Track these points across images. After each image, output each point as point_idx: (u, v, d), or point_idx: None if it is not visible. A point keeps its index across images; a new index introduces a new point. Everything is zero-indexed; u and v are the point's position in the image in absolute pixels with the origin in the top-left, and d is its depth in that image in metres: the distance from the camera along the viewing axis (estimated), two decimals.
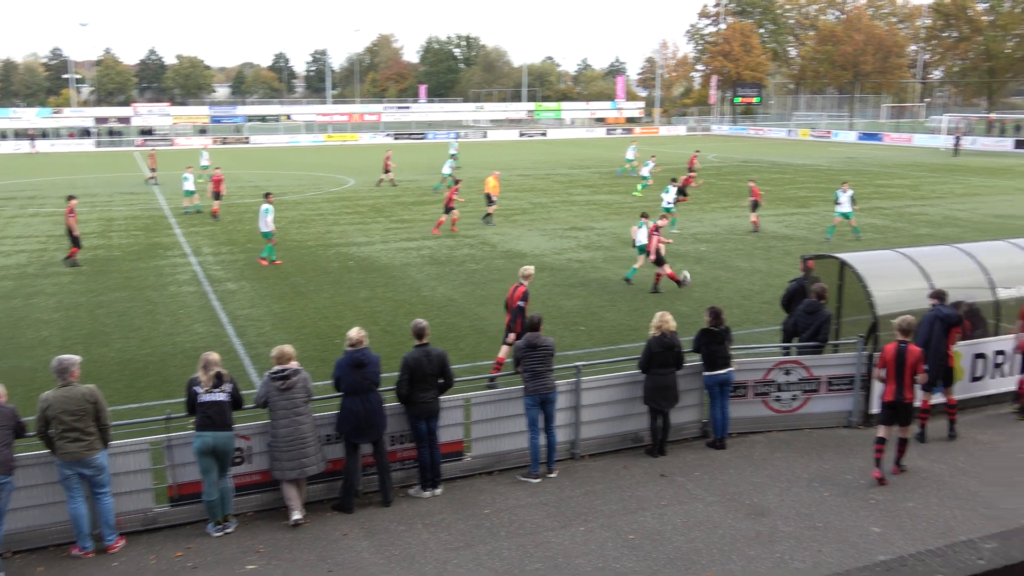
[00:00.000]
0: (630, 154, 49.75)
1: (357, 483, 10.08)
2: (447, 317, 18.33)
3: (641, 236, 21.16)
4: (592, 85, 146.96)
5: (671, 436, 11.66)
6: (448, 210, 29.12)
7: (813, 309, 12.83)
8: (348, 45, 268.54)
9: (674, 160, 55.38)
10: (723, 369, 11.61)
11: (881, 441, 10.69)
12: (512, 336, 13.66)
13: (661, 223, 21.32)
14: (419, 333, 10.39)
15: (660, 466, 11.15)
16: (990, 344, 13.20)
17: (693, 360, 11.83)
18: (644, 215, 21.84)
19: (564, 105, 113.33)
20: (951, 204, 35.48)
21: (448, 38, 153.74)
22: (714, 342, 11.58)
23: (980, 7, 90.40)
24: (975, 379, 13.08)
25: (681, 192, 32.53)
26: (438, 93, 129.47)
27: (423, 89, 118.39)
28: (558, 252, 25.63)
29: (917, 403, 11.25)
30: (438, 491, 10.39)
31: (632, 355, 12.13)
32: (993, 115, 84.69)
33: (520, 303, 13.77)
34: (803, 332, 12.87)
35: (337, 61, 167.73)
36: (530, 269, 14.42)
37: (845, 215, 27.29)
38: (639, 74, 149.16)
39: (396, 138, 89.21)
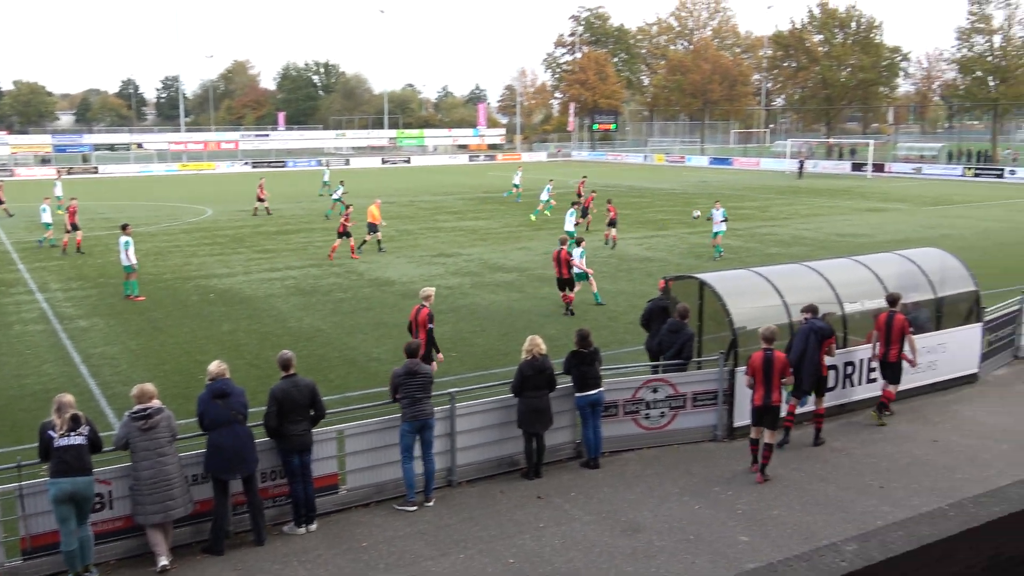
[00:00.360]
0: (516, 179, 50.60)
1: (227, 523, 9.74)
2: (315, 348, 17.99)
3: (579, 262, 21.42)
4: (453, 112, 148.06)
5: (546, 458, 11.79)
6: (343, 235, 29.17)
7: (677, 328, 13.28)
8: (201, 71, 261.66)
9: (535, 185, 56.34)
10: (594, 390, 11.85)
11: (755, 442, 11.62)
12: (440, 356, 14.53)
13: (578, 248, 21.62)
14: (285, 364, 10.17)
15: (536, 488, 11.26)
16: (841, 356, 13.95)
17: (564, 382, 12.03)
18: (579, 240, 22.30)
19: (427, 132, 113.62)
20: (798, 224, 37.48)
21: (306, 65, 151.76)
22: (584, 363, 11.81)
23: (816, 39, 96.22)
24: (829, 389, 13.79)
25: (584, 213, 34.21)
26: (297, 120, 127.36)
27: (282, 116, 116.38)
28: (426, 279, 25.57)
29: (783, 412, 11.87)
30: (313, 527, 10.15)
31: (504, 379, 12.23)
32: (832, 140, 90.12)
33: (430, 325, 14.13)
34: (668, 350, 13.30)
35: (190, 87, 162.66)
36: (430, 290, 14.77)
37: (716, 233, 28.70)
38: (499, 101, 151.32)
39: (255, 166, 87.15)
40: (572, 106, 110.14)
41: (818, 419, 12.90)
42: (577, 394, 11.88)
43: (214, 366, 9.76)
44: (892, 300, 13.78)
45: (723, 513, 10.43)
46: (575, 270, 21.35)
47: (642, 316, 14.87)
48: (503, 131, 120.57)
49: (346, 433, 10.75)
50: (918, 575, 5.99)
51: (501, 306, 21.81)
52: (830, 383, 13.64)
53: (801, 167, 68.90)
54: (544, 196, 41.54)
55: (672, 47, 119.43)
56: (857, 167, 73.95)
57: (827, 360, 12.97)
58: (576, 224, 29.73)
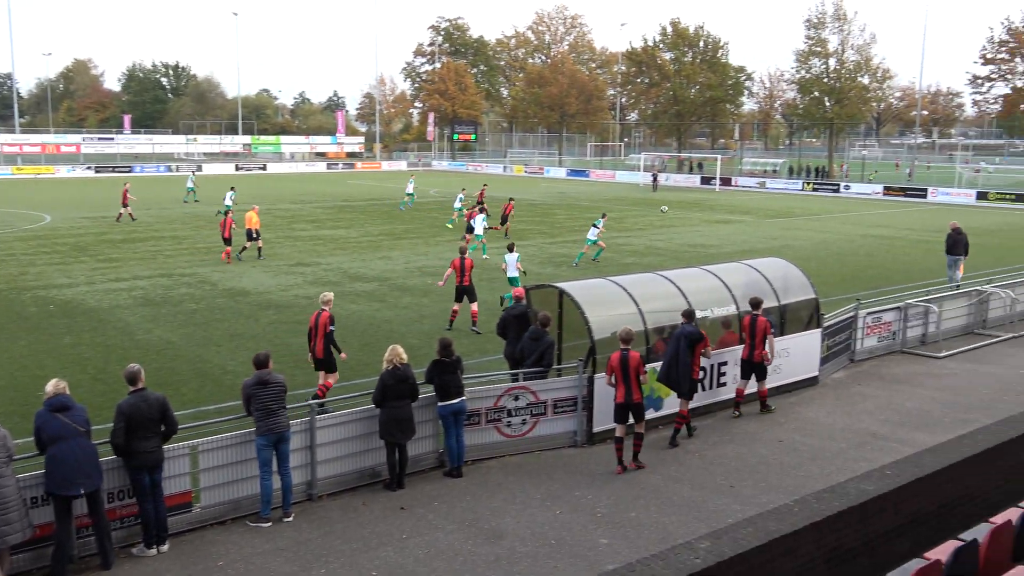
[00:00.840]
0: (410, 188, 50.43)
1: (71, 547, 9.20)
2: (166, 361, 17.26)
3: (511, 268, 22.44)
4: (311, 119, 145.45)
5: (409, 468, 11.72)
6: (227, 241, 29.28)
7: (537, 336, 13.49)
8: (38, 69, 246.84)
9: (394, 194, 56.02)
10: (456, 399, 11.88)
11: (619, 440, 12.14)
12: (310, 357, 14.57)
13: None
14: (132, 378, 9.72)
15: (399, 499, 11.17)
16: None
17: (427, 391, 12.00)
18: (511, 247, 22.96)
19: (283, 139, 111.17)
20: (651, 235, 38.73)
21: (154, 66, 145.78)
22: (446, 372, 11.82)
23: (667, 57, 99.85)
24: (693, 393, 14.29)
25: (503, 220, 36.61)
26: (144, 124, 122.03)
27: (127, 119, 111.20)
28: (284, 289, 25.01)
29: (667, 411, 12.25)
30: (165, 547, 9.72)
31: (366, 390, 12.08)
32: (682, 154, 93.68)
33: (331, 328, 14.18)
34: (528, 357, 13.48)
35: (25, 86, 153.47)
36: (330, 295, 14.93)
37: (591, 241, 29.78)
38: (358, 109, 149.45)
39: (98, 171, 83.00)
40: (431, 115, 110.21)
41: (680, 421, 13.43)
42: (439, 403, 11.87)
43: (51, 386, 9.19)
44: (755, 304, 14.60)
45: (584, 517, 10.64)
46: (510, 273, 22.45)
47: (498, 325, 15.03)
48: (362, 139, 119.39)
49: (199, 449, 10.35)
50: (766, 569, 6.30)
51: (362, 316, 21.56)
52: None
53: (655, 180, 71.34)
54: (457, 204, 41.86)
55: (530, 60, 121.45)
56: (706, 180, 77.12)
57: (703, 362, 13.65)
58: (486, 229, 31.04)
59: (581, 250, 29.97)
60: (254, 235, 30.01)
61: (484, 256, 30.15)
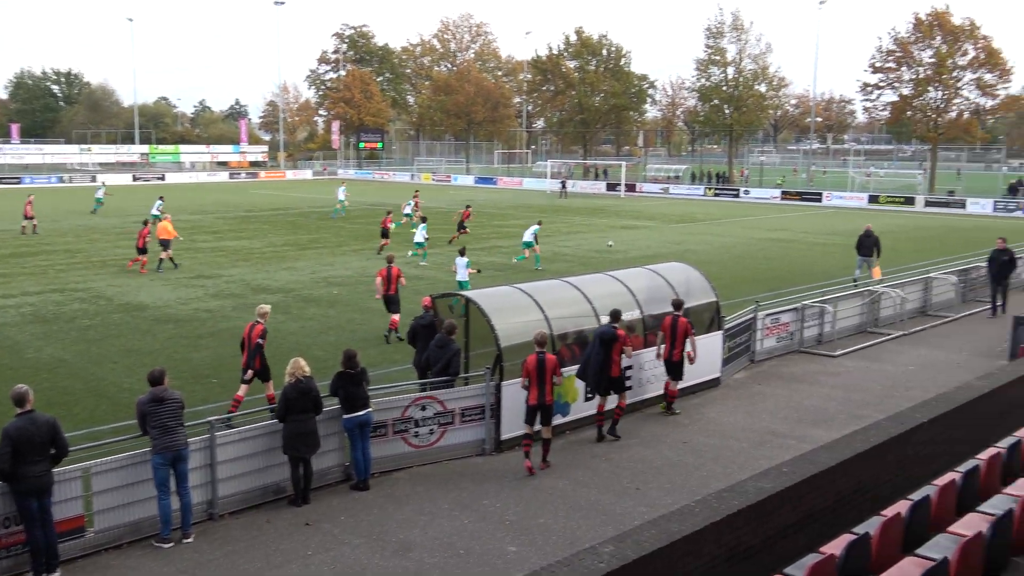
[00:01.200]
0: (341, 195, 50.78)
1: None
2: (58, 380, 16.57)
3: (462, 272, 23.39)
4: (212, 128, 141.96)
5: (314, 483, 11.51)
6: (142, 252, 29.13)
7: (443, 343, 13.43)
8: None
9: (293, 203, 55.14)
10: (362, 411, 11.71)
11: (528, 438, 12.49)
12: (251, 373, 14.09)
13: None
14: (19, 400, 9.26)
15: (304, 515, 10.95)
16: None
17: (332, 404, 11.81)
18: (462, 251, 24.14)
19: (183, 148, 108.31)
20: (559, 241, 39.04)
21: (44, 73, 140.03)
22: (351, 384, 11.65)
23: (571, 65, 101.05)
24: (588, 398, 14.43)
25: (460, 227, 37.44)
26: (34, 133, 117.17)
27: (15, 128, 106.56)
28: (183, 302, 24.31)
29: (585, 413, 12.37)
30: (56, 575, 9.30)
31: (269, 404, 11.81)
32: (588, 161, 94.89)
33: (260, 340, 14.09)
34: (435, 365, 13.42)
35: None
36: (266, 308, 14.87)
37: (527, 244, 31.20)
38: (261, 117, 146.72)
39: None
40: (337, 124, 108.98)
41: (599, 418, 13.92)
42: (345, 416, 11.69)
43: None
44: (677, 305, 15.14)
45: (492, 525, 10.62)
46: (459, 277, 23.32)
47: (408, 333, 14.97)
48: (266, 148, 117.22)
49: (92, 471, 9.94)
50: (669, 570, 6.36)
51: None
52: (590, 392, 14.26)
53: (563, 187, 72.09)
54: (406, 210, 42.78)
55: (436, 68, 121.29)
56: (612, 187, 78.25)
57: (624, 361, 13.94)
58: (426, 238, 31.96)
59: (536, 253, 31.19)
60: (168, 245, 29.82)
61: (423, 263, 31.24)
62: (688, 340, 14.81)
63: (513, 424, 13.27)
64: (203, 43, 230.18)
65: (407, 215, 41.97)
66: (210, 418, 10.93)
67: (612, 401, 14.03)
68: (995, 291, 23.91)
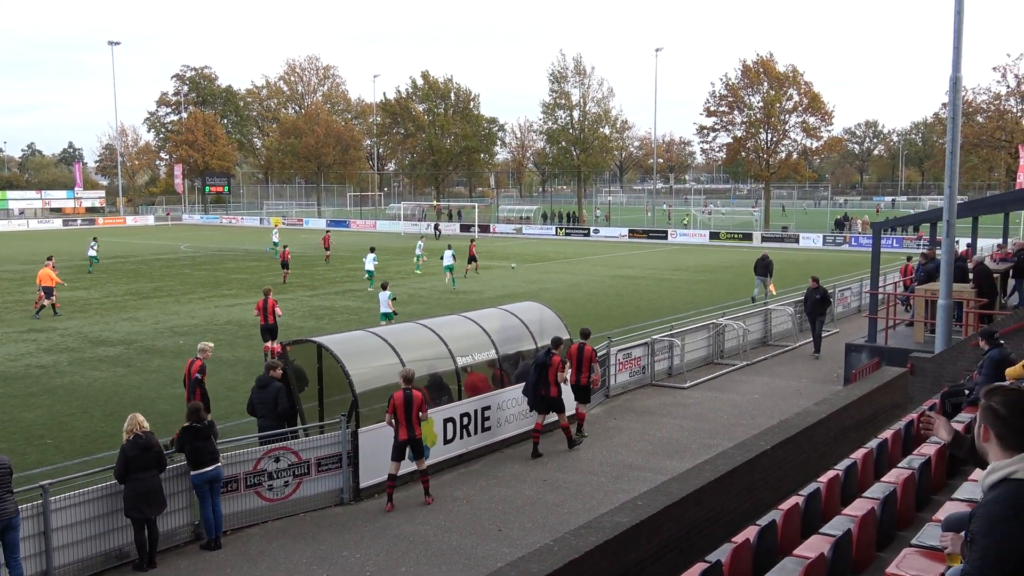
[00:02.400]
0: (275, 236, 53.31)
1: None
2: None
3: (383, 304, 24.87)
4: (43, 172, 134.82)
5: (161, 544, 10.90)
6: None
7: (264, 383, 13.25)
8: None
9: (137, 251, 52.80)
10: (211, 466, 11.22)
11: (393, 479, 12.64)
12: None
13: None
14: None
15: None
16: (457, 408, 14.61)
17: (179, 460, 11.27)
18: (384, 285, 25.89)
19: (10, 194, 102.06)
20: (414, 283, 38.88)
21: None
22: (198, 438, 11.15)
23: (420, 108, 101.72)
24: (447, 441, 14.35)
25: (284, 265, 39.51)
26: None
27: None
28: (13, 358, 22.75)
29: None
30: None
31: (111, 464, 11.14)
32: (440, 203, 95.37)
33: (198, 375, 14.39)
34: (259, 409, 13.18)
35: None
36: (207, 344, 15.18)
37: (448, 267, 35.81)
38: (97, 161, 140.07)
39: None
40: (180, 167, 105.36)
41: (536, 435, 15.15)
42: (193, 472, 11.16)
43: None
44: (584, 334, 16.20)
45: None
46: (382, 310, 24.79)
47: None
48: (103, 193, 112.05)
49: None
50: None
51: (106, 384, 20.00)
52: (448, 435, 14.19)
53: (437, 228, 72.60)
54: (418, 251, 44.57)
55: (284, 110, 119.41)
56: (465, 228, 78.83)
57: (442, 414, 13.92)
58: (376, 267, 36.05)
59: (453, 276, 36.07)
60: (51, 292, 29.55)
61: (370, 288, 34.98)
62: (593, 366, 15.89)
63: (372, 471, 13.04)
64: (32, 85, 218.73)
65: (274, 243, 44.33)
66: (43, 482, 10.20)
67: (552, 417, 15.52)
68: (813, 327, 23.67)
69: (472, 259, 41.44)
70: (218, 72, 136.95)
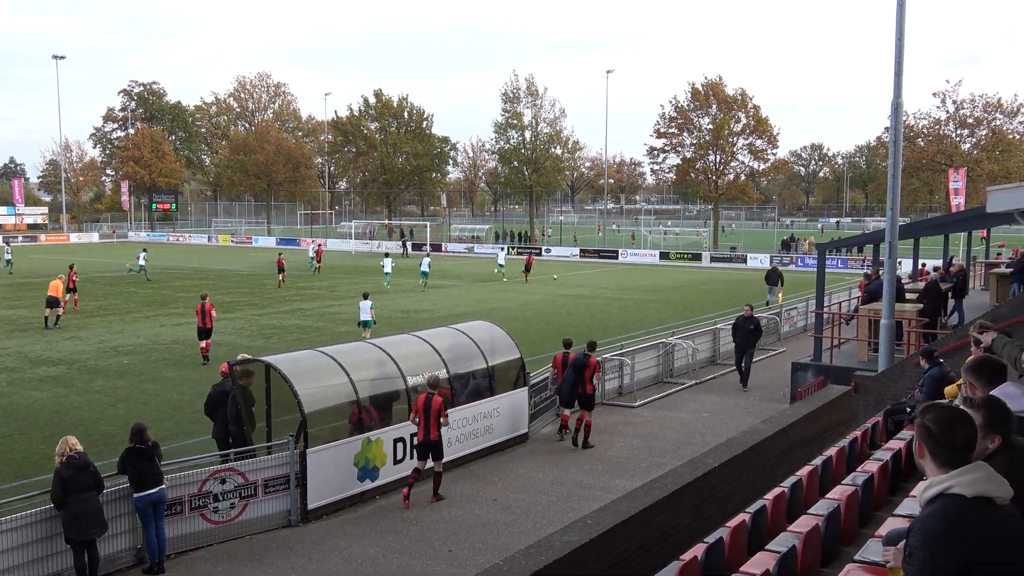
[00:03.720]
0: (142, 259, 49.52)
1: None
2: None
3: (364, 311, 26.71)
4: None
5: (101, 569, 10.63)
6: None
7: (227, 390, 13.05)
8: None
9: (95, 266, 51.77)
10: (154, 488, 10.99)
11: (417, 471, 13.53)
12: None
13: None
14: None
15: None
16: (407, 428, 14.49)
17: (121, 482, 11.03)
18: (365, 295, 27.59)
19: None
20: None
21: None
22: (141, 460, 10.92)
23: (373, 126, 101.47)
24: (397, 462, 14.24)
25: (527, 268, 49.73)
26: None
27: None
28: None
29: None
30: None
31: (47, 488, 10.85)
32: (392, 222, 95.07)
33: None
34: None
35: None
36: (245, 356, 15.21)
37: (424, 273, 41.16)
38: (40, 177, 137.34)
39: None
40: (126, 184, 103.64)
41: (571, 423, 16.96)
42: (136, 494, 10.92)
43: None
44: (567, 344, 17.55)
45: None
46: (363, 317, 26.66)
47: (205, 404, 14.22)
48: (46, 210, 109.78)
49: None
50: None
51: (46, 404, 19.52)
52: (398, 455, 14.09)
53: (405, 246, 72.08)
54: (424, 268, 45.65)
55: (233, 127, 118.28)
56: (417, 247, 78.59)
57: (392, 434, 13.73)
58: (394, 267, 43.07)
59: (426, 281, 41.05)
60: (57, 303, 30.55)
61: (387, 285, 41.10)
62: (595, 376, 17.01)
63: (320, 492, 12.89)
64: None
65: (424, 273, 45.50)
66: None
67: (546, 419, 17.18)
68: (740, 359, 22.26)
69: (527, 267, 50.38)
70: (167, 88, 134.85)
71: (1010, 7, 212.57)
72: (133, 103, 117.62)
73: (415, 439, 13.71)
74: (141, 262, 49.02)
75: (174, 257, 68.35)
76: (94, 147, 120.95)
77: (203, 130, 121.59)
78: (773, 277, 37.64)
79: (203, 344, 24.42)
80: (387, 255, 50.31)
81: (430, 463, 13.68)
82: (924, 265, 32.62)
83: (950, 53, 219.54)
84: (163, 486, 11.11)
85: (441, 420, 13.36)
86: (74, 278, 34.92)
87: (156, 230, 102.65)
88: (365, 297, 27.47)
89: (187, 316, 33.03)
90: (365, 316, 26.77)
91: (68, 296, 33.15)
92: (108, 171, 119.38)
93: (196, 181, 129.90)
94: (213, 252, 76.86)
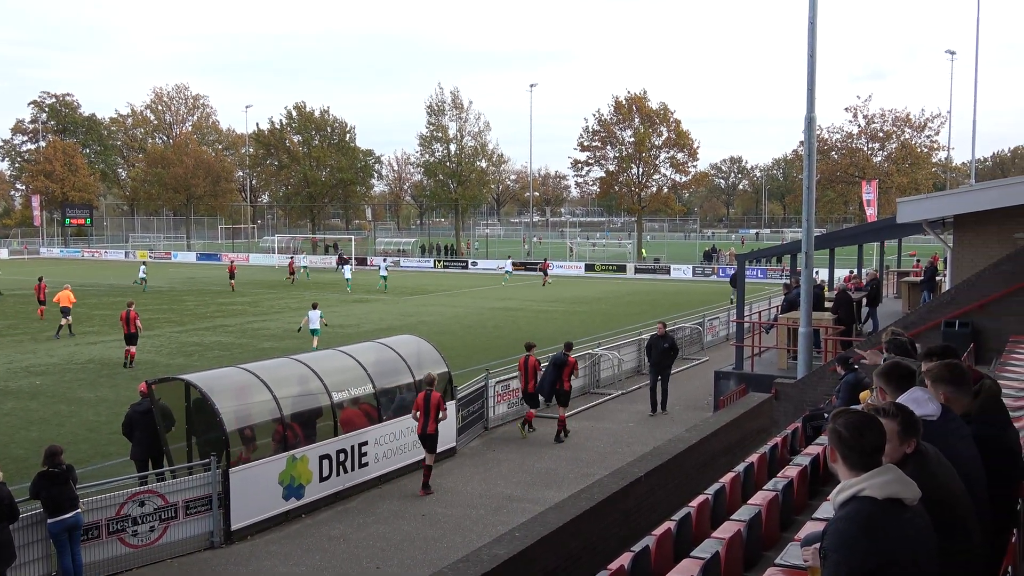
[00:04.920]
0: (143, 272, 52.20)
1: None
2: None
3: (314, 321, 28.22)
4: None
5: None
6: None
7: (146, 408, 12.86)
8: None
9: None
10: (70, 512, 10.64)
11: (429, 468, 14.92)
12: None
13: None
14: None
15: None
16: (333, 445, 14.34)
17: (34, 507, 10.64)
18: (314, 305, 28.97)
19: None
20: (289, 318, 38.01)
21: None
22: (55, 484, 10.57)
23: (296, 139, 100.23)
24: (323, 479, 14.06)
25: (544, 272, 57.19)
26: None
27: None
28: None
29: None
30: None
31: None
32: (316, 236, 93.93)
33: None
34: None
35: None
36: None
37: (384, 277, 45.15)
38: None
39: None
40: (37, 198, 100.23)
41: (562, 422, 18.30)
42: (50, 520, 10.55)
43: None
44: (568, 347, 18.54)
45: None
46: (312, 325, 28.17)
47: (123, 424, 13.83)
48: None
49: None
50: None
51: None
52: (325, 472, 13.91)
53: (341, 259, 69.04)
54: (383, 272, 53.50)
55: (151, 140, 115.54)
56: (342, 262, 77.75)
57: (318, 451, 13.39)
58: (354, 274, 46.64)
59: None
60: (67, 314, 31.65)
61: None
62: (573, 374, 18.52)
63: (244, 512, 12.65)
64: None
65: (383, 278, 52.48)
66: None
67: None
68: (655, 382, 20.64)
69: (545, 272, 58.54)
70: (80, 100, 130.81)
71: (911, 27, 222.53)
72: (44, 115, 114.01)
73: (417, 431, 15.02)
74: (142, 275, 52.18)
75: (90, 274, 66.31)
76: (2, 160, 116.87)
77: (119, 143, 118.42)
78: (734, 280, 41.23)
79: (129, 349, 25.89)
80: (346, 262, 58.53)
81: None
82: (852, 273, 33.52)
83: (855, 68, 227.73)
84: (79, 510, 10.76)
85: (440, 415, 14.63)
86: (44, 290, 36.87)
87: (70, 246, 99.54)
88: (314, 307, 28.92)
89: (102, 335, 32.17)
90: (315, 325, 28.27)
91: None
92: (18, 185, 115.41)
93: (112, 195, 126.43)
94: (130, 268, 74.80)
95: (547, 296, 48.80)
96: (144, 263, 57.59)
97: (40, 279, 38.55)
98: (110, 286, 55.04)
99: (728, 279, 46.49)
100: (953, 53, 72.34)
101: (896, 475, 3.27)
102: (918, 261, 32.60)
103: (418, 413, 14.70)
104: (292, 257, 65.67)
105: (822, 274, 36.55)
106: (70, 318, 32.08)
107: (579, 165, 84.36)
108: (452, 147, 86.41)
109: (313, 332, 28.51)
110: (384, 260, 59.11)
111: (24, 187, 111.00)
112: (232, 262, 59.31)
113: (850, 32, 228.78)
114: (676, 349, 21.16)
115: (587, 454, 17.15)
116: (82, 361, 26.83)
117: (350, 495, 14.55)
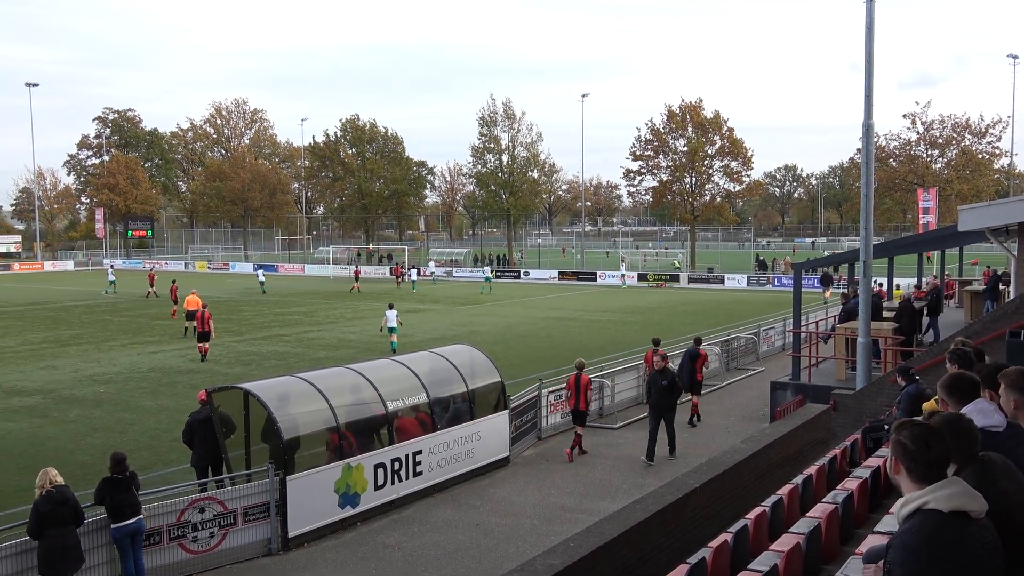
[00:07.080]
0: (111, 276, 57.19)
1: None
2: None
3: (391, 320, 30.64)
4: None
5: None
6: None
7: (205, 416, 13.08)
8: None
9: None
10: (132, 518, 10.88)
11: (578, 435, 17.49)
12: None
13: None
14: None
15: None
16: (388, 453, 14.46)
17: (98, 513, 10.90)
18: (391, 305, 31.87)
19: None
20: (343, 327, 38.50)
21: None
22: (119, 490, 10.82)
23: (351, 152, 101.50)
24: (378, 487, 14.17)
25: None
26: None
27: None
28: None
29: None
30: None
31: (26, 519, 10.70)
32: (371, 246, 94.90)
33: None
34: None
35: None
36: None
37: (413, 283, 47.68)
38: (13, 205, 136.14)
39: None
40: (101, 211, 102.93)
41: (693, 408, 20.40)
42: (113, 525, 10.80)
43: None
44: (579, 366, 18.02)
45: None
46: (390, 324, 30.57)
47: (184, 432, 14.09)
48: (19, 238, 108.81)
49: None
50: None
51: (21, 436, 19.27)
52: (379, 481, 14.02)
53: (403, 274, 65.42)
54: (413, 277, 58.95)
55: (210, 154, 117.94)
56: (406, 270, 78.36)
57: (373, 460, 13.47)
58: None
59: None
60: (193, 316, 32.30)
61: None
62: (705, 366, 20.95)
63: (301, 520, 12.80)
64: None
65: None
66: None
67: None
68: (656, 427, 17.26)
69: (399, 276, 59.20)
70: (142, 115, 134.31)
71: (958, 36, 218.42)
72: (108, 130, 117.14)
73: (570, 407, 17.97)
74: (111, 277, 57.48)
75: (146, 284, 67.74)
76: (68, 174, 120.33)
77: (179, 156, 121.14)
78: (826, 280, 49.14)
79: (203, 345, 28.89)
80: (413, 267, 63.66)
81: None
82: (931, 277, 32.72)
83: (903, 75, 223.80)
84: (141, 516, 10.99)
85: (588, 394, 17.60)
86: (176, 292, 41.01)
87: (132, 257, 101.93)
88: (391, 307, 31.69)
89: (163, 344, 32.81)
90: (392, 323, 30.67)
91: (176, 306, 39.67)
92: (83, 198, 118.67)
93: (172, 208, 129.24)
94: (190, 279, 76.27)
95: (599, 306, 48.60)
96: (112, 266, 62.25)
97: (174, 281, 43.57)
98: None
99: (818, 282, 50.27)
100: (1015, 57, 70.63)
101: (962, 487, 3.20)
102: (988, 268, 31.66)
103: (569, 393, 17.63)
104: (152, 268, 70.07)
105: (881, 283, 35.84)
106: (193, 321, 31.27)
107: (631, 174, 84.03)
108: (504, 158, 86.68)
109: (391, 330, 30.66)
110: (489, 264, 65.82)
111: (89, 200, 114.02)
112: (261, 274, 61.62)
113: (897, 39, 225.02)
114: (678, 389, 17.91)
115: (640, 465, 17.01)
116: (144, 370, 27.43)
117: (404, 503, 14.63)
